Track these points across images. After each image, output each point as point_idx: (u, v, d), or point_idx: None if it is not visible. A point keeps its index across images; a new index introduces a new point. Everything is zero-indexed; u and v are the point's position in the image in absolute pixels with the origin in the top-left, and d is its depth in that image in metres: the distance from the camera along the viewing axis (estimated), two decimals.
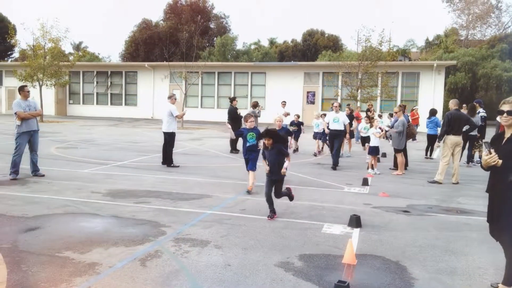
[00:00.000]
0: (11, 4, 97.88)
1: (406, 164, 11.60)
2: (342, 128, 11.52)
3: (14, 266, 4.30)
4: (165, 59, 31.94)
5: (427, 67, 28.11)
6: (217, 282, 4.09)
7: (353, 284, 4.06)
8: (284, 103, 17.11)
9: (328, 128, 11.99)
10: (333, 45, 52.42)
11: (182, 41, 30.91)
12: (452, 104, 10.15)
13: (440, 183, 9.69)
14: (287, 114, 16.70)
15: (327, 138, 12.40)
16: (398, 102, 25.97)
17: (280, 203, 7.01)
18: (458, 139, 9.83)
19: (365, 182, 9.27)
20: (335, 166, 11.31)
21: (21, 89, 9.17)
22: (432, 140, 13.98)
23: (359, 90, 24.53)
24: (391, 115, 17.50)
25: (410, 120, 13.92)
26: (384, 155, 14.23)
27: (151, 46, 50.75)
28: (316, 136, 14.58)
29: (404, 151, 11.23)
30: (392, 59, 26.60)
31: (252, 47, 54.91)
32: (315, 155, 14.14)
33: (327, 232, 5.76)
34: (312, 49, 52.84)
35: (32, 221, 5.92)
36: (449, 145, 9.78)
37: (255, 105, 15.47)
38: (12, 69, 32.02)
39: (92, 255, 4.66)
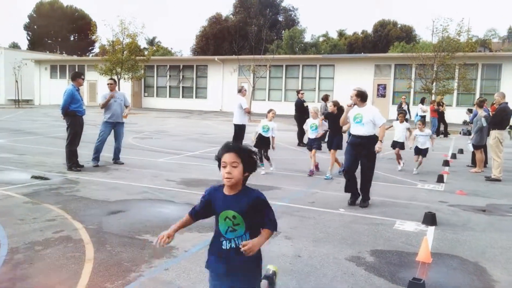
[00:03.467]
0: (92, 2, 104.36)
1: (486, 162, 10.92)
2: (368, 133, 6.66)
3: (99, 246, 4.65)
4: (234, 53, 32.51)
5: (510, 58, 26.12)
6: (288, 272, 4.14)
7: (428, 283, 3.92)
8: None
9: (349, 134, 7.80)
10: (406, 36, 50.40)
11: (251, 34, 31.29)
12: (501, 97, 9.73)
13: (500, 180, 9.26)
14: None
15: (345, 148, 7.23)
16: (477, 96, 24.42)
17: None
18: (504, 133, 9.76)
19: (440, 179, 8.87)
20: (365, 202, 6.76)
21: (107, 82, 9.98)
22: None
23: (434, 83, 23.38)
24: (469, 111, 16.49)
25: (491, 115, 13.06)
26: (460, 151, 13.51)
27: (220, 40, 51.86)
28: (312, 144, 9.46)
29: (484, 147, 10.58)
30: (471, 50, 25.01)
31: (321, 39, 54.21)
32: (310, 174, 9.19)
33: (399, 229, 5.61)
34: (383, 40, 51.16)
35: (114, 205, 6.35)
36: (500, 140, 9.51)
37: (326, 98, 15.31)
38: (93, 63, 34.27)
39: None
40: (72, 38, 66.06)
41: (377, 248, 4.86)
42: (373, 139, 6.66)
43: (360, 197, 6.82)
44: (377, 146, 6.57)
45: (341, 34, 58.05)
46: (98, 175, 8.52)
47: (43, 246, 4.61)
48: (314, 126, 9.42)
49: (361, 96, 6.81)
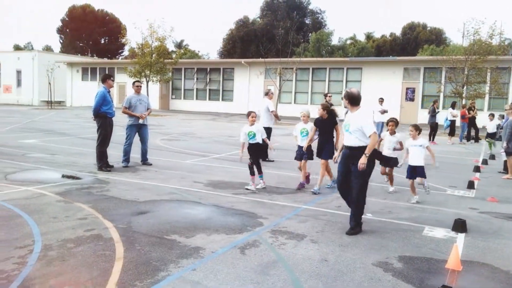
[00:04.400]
0: (122, 6, 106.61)
1: None
2: (357, 143, 5.48)
3: (129, 245, 4.75)
4: (260, 56, 32.61)
5: None
6: (314, 275, 4.14)
7: None
8: (381, 100, 16.57)
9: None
10: (436, 38, 49.47)
11: (277, 37, 31.33)
12: None
13: None
14: (384, 112, 16.21)
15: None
16: (510, 101, 23.75)
17: (377, 202, 6.86)
18: None
19: (470, 185, 8.66)
20: (352, 228, 5.55)
21: (133, 84, 10.10)
22: None
23: (465, 87, 22.85)
24: (502, 117, 16.00)
25: None
26: (492, 157, 13.17)
27: (247, 43, 52.11)
28: (303, 152, 8.14)
29: None
30: (503, 53, 24.32)
31: (348, 42, 53.79)
32: (299, 187, 8.11)
33: (428, 235, 5.51)
34: (412, 43, 50.35)
35: (143, 205, 6.48)
36: None
37: None
38: (123, 66, 34.99)
39: (196, 240, 4.98)
40: (102, 41, 67.70)
41: (405, 254, 4.80)
42: (364, 151, 5.42)
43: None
44: (360, 163, 5.30)
45: (368, 36, 57.46)
46: (127, 176, 8.70)
47: (75, 243, 4.75)
48: (305, 132, 8.15)
49: (350, 99, 5.60)
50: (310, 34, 52.31)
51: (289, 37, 30.03)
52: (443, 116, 19.91)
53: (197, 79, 35.94)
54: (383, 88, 26.58)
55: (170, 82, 35.69)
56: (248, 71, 33.25)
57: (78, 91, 40.30)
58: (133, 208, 6.31)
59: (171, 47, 48.25)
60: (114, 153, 10.17)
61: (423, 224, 5.96)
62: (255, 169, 7.92)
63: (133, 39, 34.35)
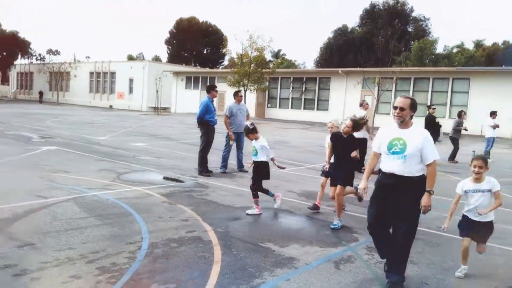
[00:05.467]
0: (223, 17, 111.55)
1: None
2: (410, 172, 4.03)
3: (226, 249, 4.95)
4: (358, 65, 31.93)
5: None
6: None
7: None
8: (494, 114, 15.30)
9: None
10: None
11: (377, 46, 30.47)
12: None
13: None
14: (496, 126, 14.98)
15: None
16: None
17: None
18: None
19: None
20: (391, 276, 4.24)
21: (235, 94, 10.52)
22: None
23: None
24: None
25: None
26: None
27: (345, 52, 51.42)
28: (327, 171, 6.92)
29: None
30: None
31: (454, 50, 50.51)
32: (314, 208, 6.96)
33: None
34: None
35: (239, 211, 6.71)
36: None
37: (460, 114, 14.34)
38: (223, 75, 36.57)
39: (290, 250, 5.04)
40: (205, 51, 71.37)
41: None
42: (419, 183, 4.02)
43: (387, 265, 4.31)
44: (423, 204, 4.02)
45: (478, 44, 53.44)
46: (225, 181, 9.07)
47: (178, 243, 5.07)
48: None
49: (415, 108, 4.25)
50: (412, 42, 50.05)
51: (390, 46, 29.01)
52: None
53: (293, 88, 36.26)
54: (494, 101, 24.43)
55: (267, 91, 36.45)
56: (345, 81, 32.75)
57: (181, 99, 42.92)
58: (230, 213, 6.56)
59: (268, 57, 49.36)
60: (214, 159, 10.66)
61: None
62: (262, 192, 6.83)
63: (233, 49, 35.83)
